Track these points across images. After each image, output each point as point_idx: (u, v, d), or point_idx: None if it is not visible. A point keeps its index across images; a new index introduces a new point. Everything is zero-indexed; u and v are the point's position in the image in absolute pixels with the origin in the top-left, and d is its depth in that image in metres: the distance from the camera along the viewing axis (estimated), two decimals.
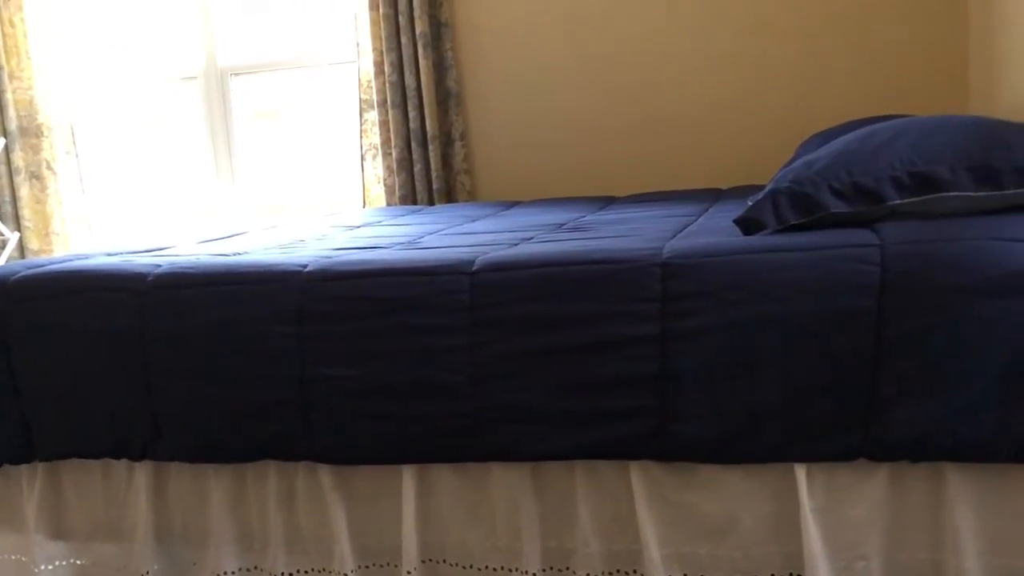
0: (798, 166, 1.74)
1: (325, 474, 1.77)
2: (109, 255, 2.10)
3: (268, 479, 1.82)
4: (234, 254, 2.05)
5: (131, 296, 1.81)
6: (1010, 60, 2.57)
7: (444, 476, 1.73)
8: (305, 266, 1.79)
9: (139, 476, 1.87)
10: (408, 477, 1.72)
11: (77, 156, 3.85)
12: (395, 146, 3.41)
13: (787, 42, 3.18)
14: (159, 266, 1.88)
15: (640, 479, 1.63)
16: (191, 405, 1.78)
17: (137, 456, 1.83)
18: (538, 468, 1.69)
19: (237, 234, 2.56)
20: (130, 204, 4.04)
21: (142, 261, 1.95)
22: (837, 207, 1.66)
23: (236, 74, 3.79)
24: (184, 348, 1.77)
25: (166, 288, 1.81)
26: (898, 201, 1.64)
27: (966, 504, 1.52)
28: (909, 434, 1.50)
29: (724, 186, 3.21)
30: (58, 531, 1.95)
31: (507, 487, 1.70)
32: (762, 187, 2.74)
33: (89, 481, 1.92)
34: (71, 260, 2.02)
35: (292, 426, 1.73)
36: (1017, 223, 1.53)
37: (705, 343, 1.55)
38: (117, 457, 1.85)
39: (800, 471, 1.56)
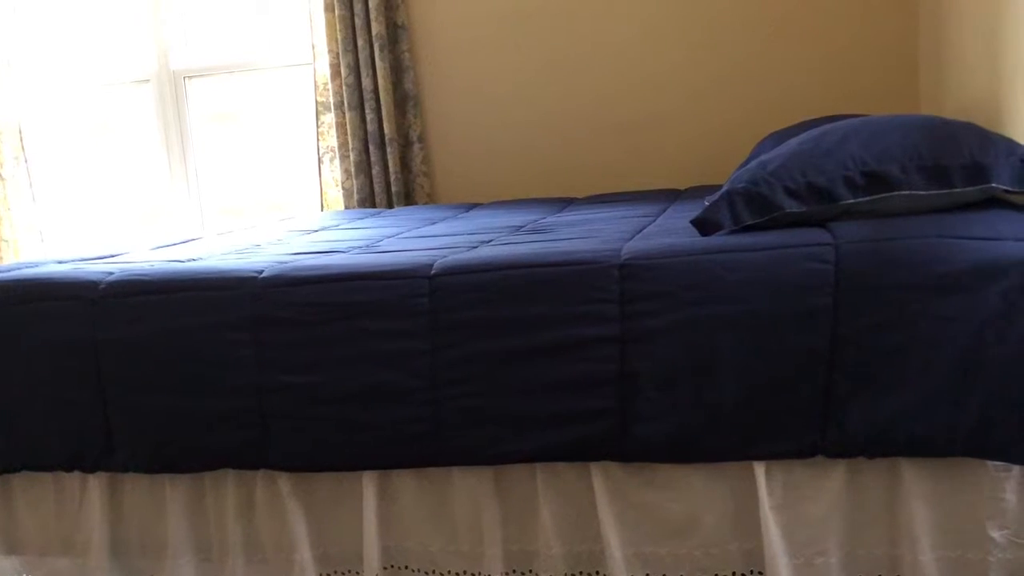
0: (753, 167, 1.75)
1: (284, 482, 1.75)
2: (60, 263, 2.06)
3: (226, 488, 1.79)
4: (188, 260, 2.02)
5: (82, 304, 1.78)
6: (958, 61, 2.62)
7: (405, 481, 1.72)
8: (261, 272, 1.77)
9: (93, 488, 1.83)
10: (368, 483, 1.71)
11: (27, 161, 3.76)
12: (353, 148, 3.38)
13: (742, 45, 3.21)
14: (111, 273, 1.84)
15: (601, 480, 1.63)
16: (146, 415, 1.75)
17: (90, 468, 1.79)
18: (499, 472, 1.68)
19: (192, 240, 2.52)
20: (83, 210, 3.96)
21: (94, 268, 1.91)
22: (791, 207, 1.68)
23: (190, 77, 3.73)
24: (138, 357, 1.74)
25: (118, 296, 1.77)
26: (851, 200, 1.66)
27: (921, 499, 1.55)
28: (865, 431, 1.52)
29: (682, 186, 3.23)
30: (10, 546, 1.90)
31: (468, 491, 1.69)
32: (719, 187, 2.76)
33: (41, 494, 1.88)
34: (20, 268, 1.97)
35: (250, 434, 1.70)
36: (967, 221, 1.55)
37: (664, 343, 1.56)
38: (69, 469, 1.81)
39: (759, 469, 1.57)
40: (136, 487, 1.83)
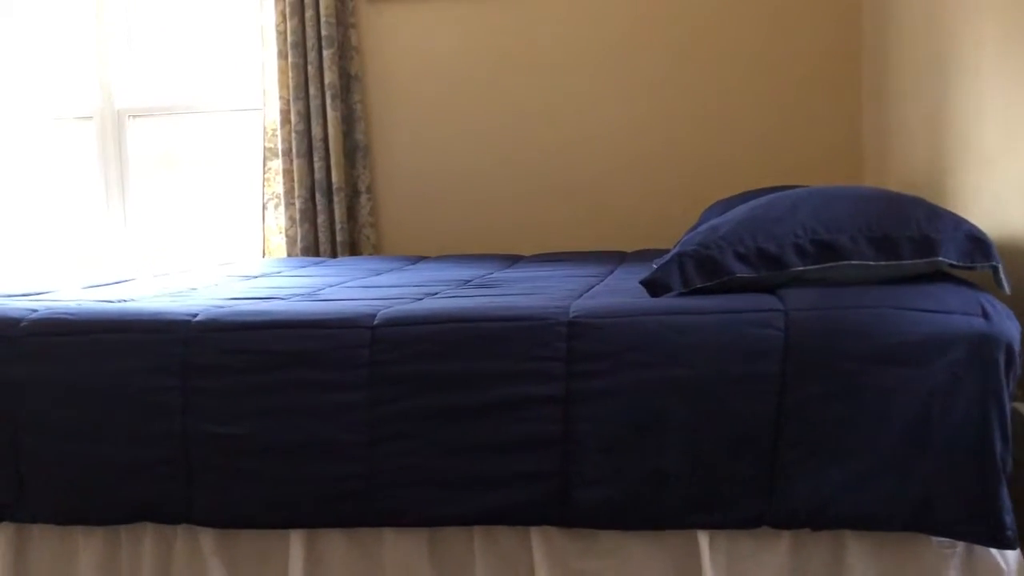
0: (704, 230, 1.75)
1: (206, 538, 1.66)
2: None
3: (143, 543, 1.70)
4: (119, 301, 1.94)
5: (1, 343, 1.68)
6: (901, 136, 2.68)
7: (334, 542, 1.64)
8: (194, 315, 1.69)
9: None
10: (296, 543, 1.63)
11: None
12: (299, 196, 3.33)
13: (691, 114, 3.26)
14: (35, 311, 1.76)
15: (541, 546, 1.58)
16: (61, 462, 1.66)
17: None
18: (435, 534, 1.62)
19: (125, 280, 2.43)
20: (15, 247, 3.82)
21: (17, 305, 1.82)
22: (742, 272, 1.67)
23: (134, 116, 3.65)
24: (57, 400, 1.66)
25: (40, 335, 1.69)
26: (801, 268, 1.66)
27: (865, 573, 1.52)
28: (810, 501, 1.49)
29: (628, 249, 3.24)
30: None
31: (401, 554, 1.62)
32: (665, 251, 2.77)
33: None
34: None
35: (172, 486, 1.62)
36: (915, 293, 1.56)
37: (609, 405, 1.53)
38: None
39: (703, 538, 1.54)
40: (45, 540, 1.72)
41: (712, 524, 1.52)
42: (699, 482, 1.51)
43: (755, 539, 1.54)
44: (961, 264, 1.62)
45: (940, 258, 1.61)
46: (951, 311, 1.49)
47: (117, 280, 2.42)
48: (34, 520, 1.69)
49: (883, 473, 1.48)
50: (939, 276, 1.67)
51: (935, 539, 1.50)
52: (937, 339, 1.46)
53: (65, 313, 1.74)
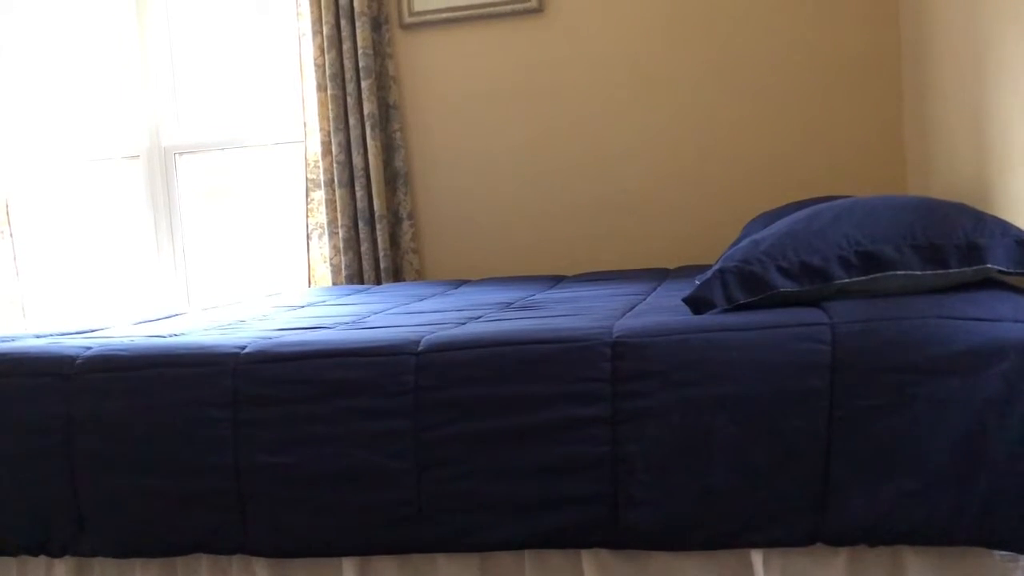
0: (745, 245, 1.74)
1: (261, 567, 1.68)
2: (37, 337, 2.02)
3: (199, 573, 1.72)
4: (170, 335, 1.98)
5: (57, 380, 1.73)
6: (944, 143, 2.64)
7: (387, 568, 1.65)
8: (243, 347, 1.72)
9: (58, 574, 1.75)
10: (349, 570, 1.64)
11: (12, 236, 3.74)
12: (342, 225, 3.37)
13: (730, 127, 3.24)
14: (89, 348, 1.80)
15: (592, 568, 1.57)
16: (118, 496, 1.68)
17: (58, 552, 1.72)
18: (486, 558, 1.62)
19: (175, 315, 2.48)
20: (69, 286, 3.92)
21: (71, 343, 1.87)
22: (785, 286, 1.65)
23: (180, 153, 3.74)
24: (112, 435, 1.69)
25: (95, 371, 1.73)
26: (845, 280, 1.64)
27: None
28: (866, 517, 1.46)
29: (671, 266, 3.23)
30: None
31: None
32: (708, 267, 2.75)
33: None
34: None
35: (226, 517, 1.64)
36: (964, 301, 1.53)
37: (657, 425, 1.52)
38: (35, 554, 1.73)
39: (756, 557, 1.52)
40: (104, 572, 1.75)
41: (765, 542, 1.50)
42: (750, 500, 1.49)
43: (810, 556, 1.52)
44: (1011, 270, 1.59)
45: (988, 265, 1.58)
46: (1001, 319, 1.46)
47: (168, 315, 2.47)
48: (94, 554, 1.71)
49: (940, 486, 1.44)
50: (988, 283, 1.64)
51: (997, 553, 1.47)
52: (988, 348, 1.43)
53: (118, 350, 1.78)
